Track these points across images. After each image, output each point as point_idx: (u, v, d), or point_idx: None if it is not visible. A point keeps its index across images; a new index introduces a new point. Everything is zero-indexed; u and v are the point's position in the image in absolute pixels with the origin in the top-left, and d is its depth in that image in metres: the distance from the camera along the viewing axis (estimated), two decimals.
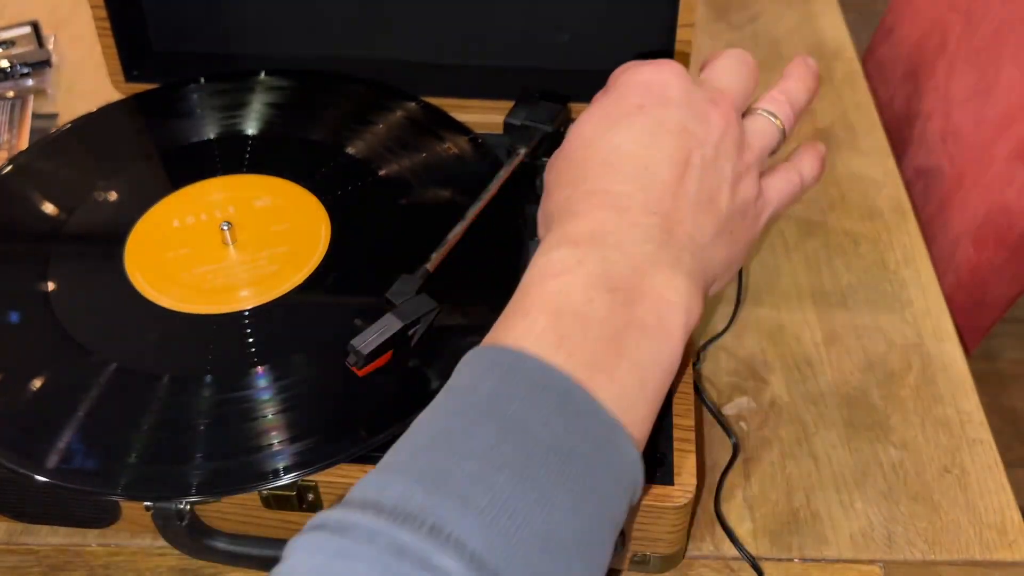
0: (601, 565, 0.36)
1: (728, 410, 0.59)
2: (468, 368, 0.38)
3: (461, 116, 0.64)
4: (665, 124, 0.42)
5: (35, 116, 0.77)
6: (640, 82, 0.44)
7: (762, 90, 0.48)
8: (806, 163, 0.49)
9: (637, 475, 0.37)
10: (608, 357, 0.37)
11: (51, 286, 0.55)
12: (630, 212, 0.40)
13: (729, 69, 0.46)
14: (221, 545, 0.49)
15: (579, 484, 0.34)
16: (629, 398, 0.37)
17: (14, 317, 0.53)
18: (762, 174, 0.46)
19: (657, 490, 0.47)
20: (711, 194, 0.42)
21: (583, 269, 0.38)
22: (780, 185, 0.47)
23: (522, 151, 0.58)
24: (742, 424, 0.58)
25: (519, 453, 0.34)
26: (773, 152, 0.47)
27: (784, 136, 0.47)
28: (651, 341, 0.38)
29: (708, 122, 0.43)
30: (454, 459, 0.34)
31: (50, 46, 0.81)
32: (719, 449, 0.57)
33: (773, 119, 0.46)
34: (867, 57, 1.00)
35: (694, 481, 0.47)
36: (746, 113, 0.47)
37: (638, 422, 0.37)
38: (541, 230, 0.46)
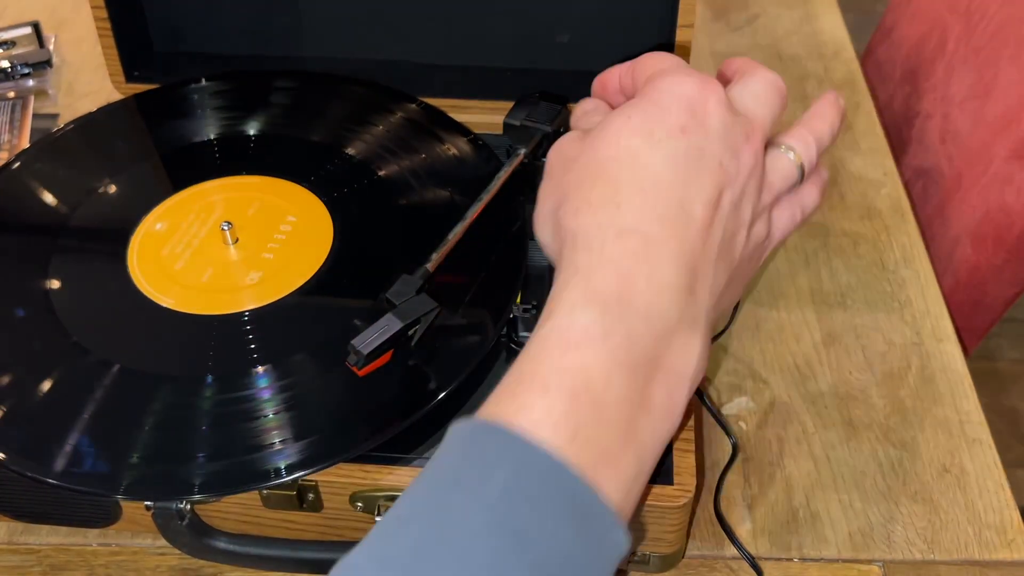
0: None
1: (727, 410, 0.59)
2: (478, 450, 0.35)
3: (461, 117, 0.64)
4: (704, 156, 0.40)
5: (36, 116, 0.77)
6: (684, 97, 0.41)
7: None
8: (807, 195, 0.46)
9: (624, 553, 0.36)
10: (616, 447, 0.36)
11: (53, 287, 0.55)
12: (662, 268, 0.38)
13: (762, 96, 0.43)
14: (222, 545, 0.49)
15: None
16: (629, 484, 0.36)
17: (16, 317, 0.53)
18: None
19: (657, 490, 0.47)
20: (730, 240, 0.41)
21: (608, 344, 0.36)
22: (784, 222, 0.45)
23: (522, 151, 0.58)
24: (741, 424, 0.58)
25: (524, 565, 0.32)
26: (788, 192, 0.45)
27: (802, 178, 0.44)
28: (657, 423, 0.37)
29: (739, 159, 0.41)
30: (463, 569, 0.32)
31: (51, 46, 0.81)
32: (718, 449, 0.57)
33: (793, 159, 0.44)
34: (866, 57, 1.00)
35: (693, 481, 0.47)
36: (768, 145, 0.44)
37: (632, 503, 0.37)
38: (544, 232, 0.44)
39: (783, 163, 0.44)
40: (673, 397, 0.38)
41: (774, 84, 0.44)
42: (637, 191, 0.39)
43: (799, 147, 0.44)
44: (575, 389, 0.35)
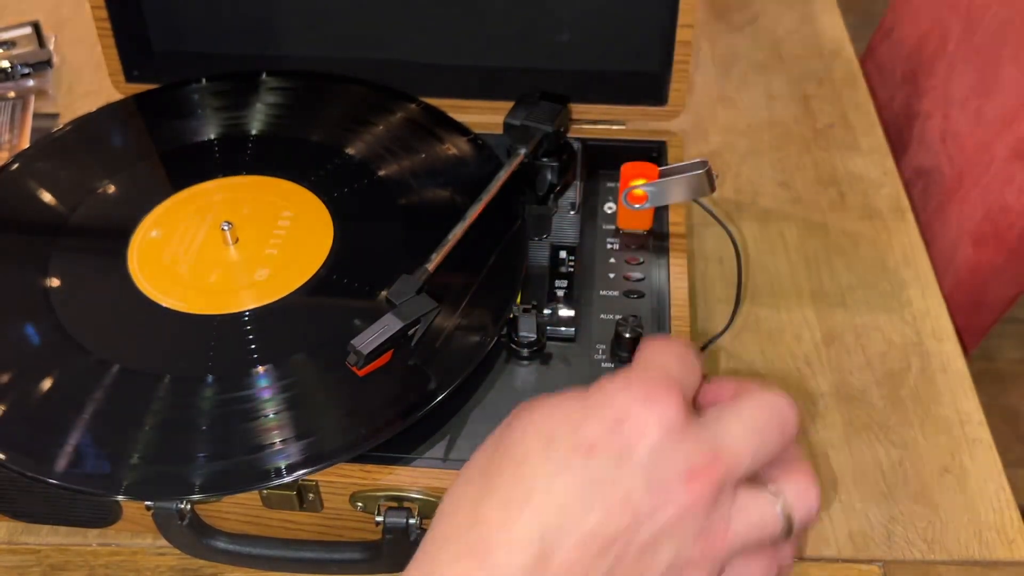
0: None
1: None
2: None
3: (461, 116, 0.64)
4: (605, 486, 0.33)
5: (36, 116, 0.77)
6: (616, 408, 0.34)
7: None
8: (785, 552, 0.37)
9: None
10: None
11: (53, 287, 0.55)
12: None
13: (750, 422, 0.35)
14: (222, 545, 0.49)
15: None
16: None
17: (16, 317, 0.53)
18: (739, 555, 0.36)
19: None
20: None
21: None
22: None
23: (522, 151, 0.58)
24: None
25: None
26: (766, 545, 0.36)
27: (787, 535, 0.35)
28: None
29: (664, 497, 0.33)
30: None
31: (51, 46, 0.81)
32: None
33: (780, 508, 0.35)
34: (866, 57, 1.00)
35: None
36: (752, 481, 0.36)
37: None
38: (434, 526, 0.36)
39: (762, 508, 0.35)
40: None
41: (773, 408, 0.36)
42: (501, 507, 0.34)
43: (793, 495, 0.35)
44: None
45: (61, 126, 0.65)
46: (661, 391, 0.34)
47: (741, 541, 0.35)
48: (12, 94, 0.78)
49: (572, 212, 0.60)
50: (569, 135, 0.64)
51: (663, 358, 0.37)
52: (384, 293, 0.49)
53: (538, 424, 0.35)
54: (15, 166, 0.62)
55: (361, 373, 0.47)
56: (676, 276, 0.56)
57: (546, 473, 0.34)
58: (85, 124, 0.65)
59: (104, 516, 0.52)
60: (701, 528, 0.34)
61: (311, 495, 0.48)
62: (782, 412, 0.36)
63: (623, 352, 0.52)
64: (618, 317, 0.52)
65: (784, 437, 0.36)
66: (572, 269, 0.57)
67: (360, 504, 0.48)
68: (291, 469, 0.46)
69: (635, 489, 0.33)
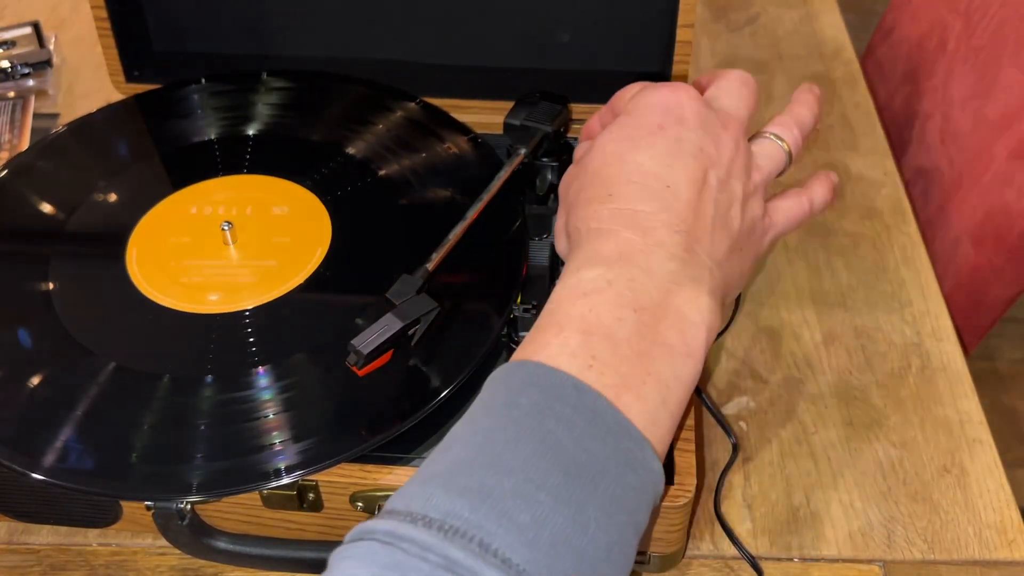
0: (627, 567, 0.38)
1: (728, 410, 0.59)
2: (505, 383, 0.40)
3: (461, 116, 0.64)
4: (683, 144, 0.45)
5: (36, 116, 0.77)
6: (658, 103, 0.46)
7: (766, 114, 0.49)
8: (817, 190, 0.51)
9: (659, 485, 0.40)
10: (635, 375, 0.39)
11: (52, 286, 0.55)
12: (655, 232, 0.43)
13: (734, 92, 0.49)
14: (222, 545, 0.49)
15: (610, 500, 0.37)
16: (653, 414, 0.39)
17: (16, 317, 0.53)
18: (772, 197, 0.49)
19: None
20: (725, 213, 0.45)
21: (612, 290, 0.41)
22: (789, 208, 0.49)
23: (522, 151, 0.58)
24: (742, 424, 0.58)
25: (556, 470, 0.36)
26: (780, 174, 0.49)
27: (791, 159, 0.49)
28: (674, 359, 0.41)
29: (720, 144, 0.45)
30: (495, 475, 0.36)
31: (51, 46, 0.81)
32: (719, 449, 0.57)
33: (780, 143, 0.49)
34: (866, 57, 1.00)
35: (694, 481, 0.47)
36: (754, 136, 0.49)
37: (661, 435, 0.40)
38: (560, 243, 0.49)
39: (770, 147, 0.48)
40: (688, 340, 0.41)
41: (742, 79, 0.49)
42: (626, 182, 0.44)
43: (780, 131, 0.49)
44: (587, 327, 0.40)
45: (61, 126, 0.65)
46: (676, 83, 0.47)
47: (768, 171, 0.48)
48: (12, 94, 0.78)
49: None
50: (569, 135, 0.64)
51: (643, 84, 0.50)
52: (384, 293, 0.49)
53: (610, 139, 0.46)
54: (15, 167, 0.62)
55: (361, 373, 0.47)
56: None
57: (645, 151, 0.44)
58: (85, 124, 0.65)
59: (104, 516, 0.52)
60: (745, 165, 0.46)
61: (311, 495, 0.48)
62: (743, 77, 0.49)
63: None
64: None
65: (752, 91, 0.49)
66: None
67: (360, 504, 0.48)
68: (291, 469, 0.46)
69: (704, 141, 0.45)
